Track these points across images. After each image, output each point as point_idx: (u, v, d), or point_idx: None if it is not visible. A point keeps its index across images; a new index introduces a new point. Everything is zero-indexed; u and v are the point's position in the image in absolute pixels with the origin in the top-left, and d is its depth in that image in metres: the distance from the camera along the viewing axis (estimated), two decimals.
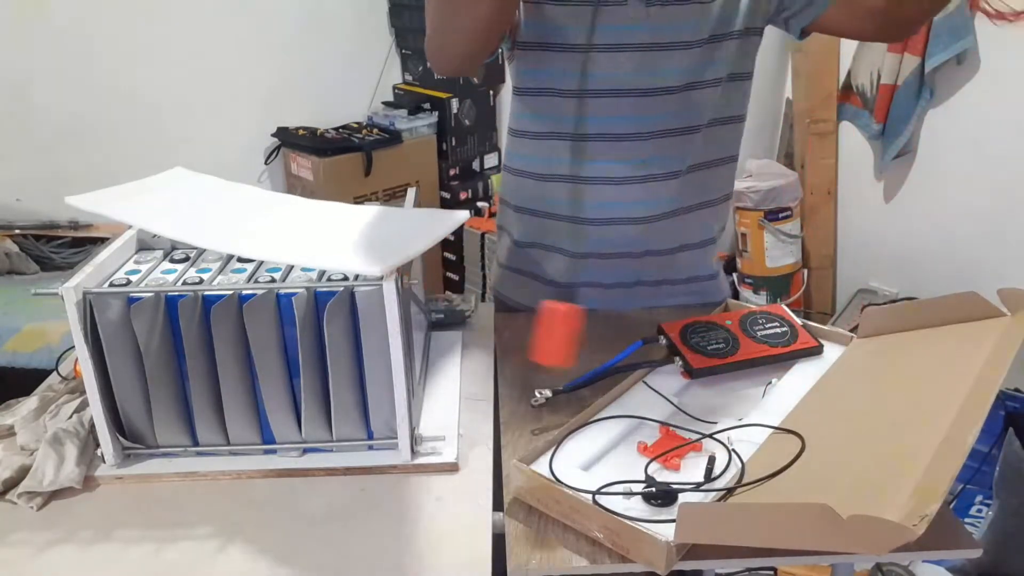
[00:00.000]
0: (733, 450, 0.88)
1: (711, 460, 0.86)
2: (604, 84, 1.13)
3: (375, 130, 2.82)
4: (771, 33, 1.23)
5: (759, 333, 1.09)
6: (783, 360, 1.06)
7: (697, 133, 1.18)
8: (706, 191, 1.25)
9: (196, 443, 0.92)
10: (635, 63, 1.12)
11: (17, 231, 2.35)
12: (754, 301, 2.80)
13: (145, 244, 1.00)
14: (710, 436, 0.91)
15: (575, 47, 1.11)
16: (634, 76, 1.13)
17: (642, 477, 0.83)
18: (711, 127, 1.19)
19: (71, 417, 0.93)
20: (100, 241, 2.31)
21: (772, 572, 1.69)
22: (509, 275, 1.33)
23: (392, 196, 2.81)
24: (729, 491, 0.82)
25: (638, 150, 1.17)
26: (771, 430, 0.92)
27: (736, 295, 2.88)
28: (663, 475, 0.86)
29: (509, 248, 1.32)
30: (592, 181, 1.19)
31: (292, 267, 0.93)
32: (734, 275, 2.92)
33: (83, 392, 0.92)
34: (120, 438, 0.90)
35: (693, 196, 1.23)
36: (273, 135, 2.81)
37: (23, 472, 0.87)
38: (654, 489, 0.81)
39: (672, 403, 0.98)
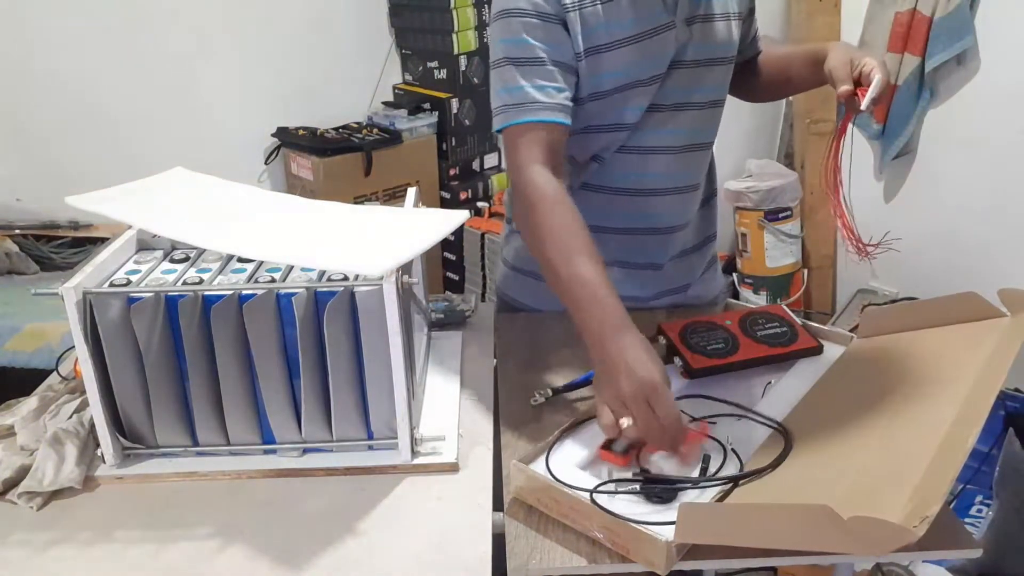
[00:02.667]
0: (732, 449, 0.88)
1: (706, 459, 0.86)
2: (652, 100, 1.14)
3: (375, 130, 2.81)
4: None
5: (759, 333, 1.08)
6: (783, 360, 1.06)
7: (711, 147, 1.25)
8: (708, 192, 1.31)
9: (196, 443, 0.92)
10: (685, 80, 1.14)
11: (17, 231, 2.35)
12: (754, 301, 2.80)
13: (145, 244, 1.00)
14: (697, 431, 0.90)
15: (641, 82, 1.11)
16: (682, 92, 1.14)
17: (642, 476, 0.83)
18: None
19: (71, 417, 0.93)
20: (100, 241, 2.31)
21: (772, 572, 1.69)
22: (518, 276, 1.33)
23: (392, 196, 2.80)
24: (724, 486, 0.82)
25: (666, 164, 1.19)
26: (769, 431, 0.92)
27: (736, 295, 2.88)
28: (655, 470, 0.86)
29: (520, 249, 1.32)
30: (621, 192, 1.20)
31: (292, 267, 0.93)
32: (734, 275, 2.92)
33: (83, 392, 0.92)
34: (120, 438, 0.90)
35: (701, 200, 1.29)
36: (273, 135, 2.80)
37: (23, 472, 0.87)
38: (639, 485, 0.81)
39: None
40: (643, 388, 0.83)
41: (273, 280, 0.89)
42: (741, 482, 0.83)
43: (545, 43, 1.05)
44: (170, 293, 0.86)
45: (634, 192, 1.19)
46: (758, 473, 0.83)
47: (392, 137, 2.76)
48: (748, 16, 1.24)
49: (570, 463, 0.86)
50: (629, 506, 0.79)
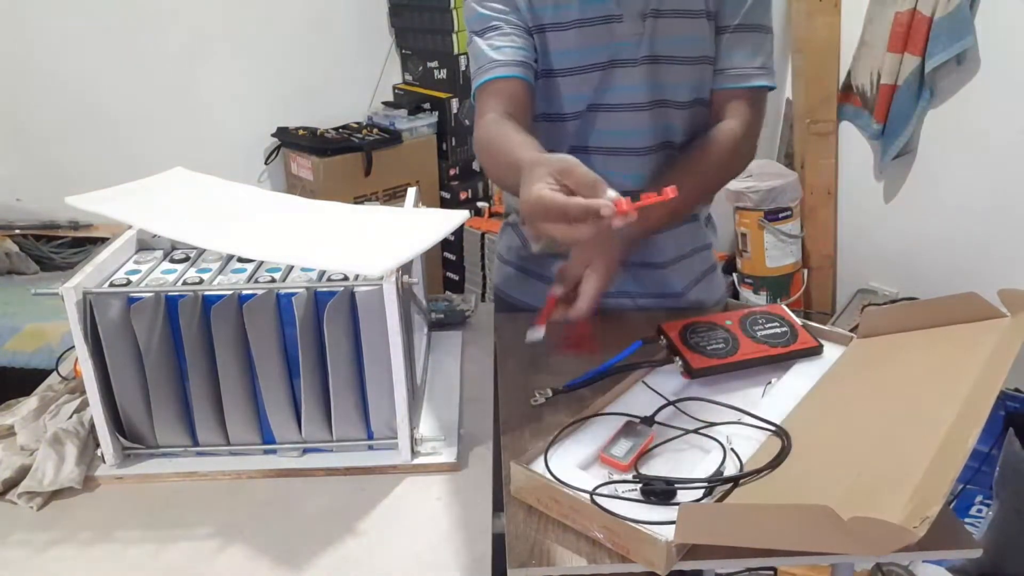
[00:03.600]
0: (732, 449, 0.88)
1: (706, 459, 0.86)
2: (609, 99, 1.14)
3: (375, 130, 2.82)
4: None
5: (759, 333, 1.08)
6: (783, 360, 1.06)
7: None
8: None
9: (196, 443, 0.92)
10: (640, 76, 1.13)
11: (17, 231, 2.35)
12: (754, 301, 2.80)
13: (145, 244, 1.00)
14: (699, 432, 0.91)
15: (583, 68, 1.12)
16: (638, 90, 1.13)
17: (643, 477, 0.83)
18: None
19: (71, 417, 0.93)
20: (100, 241, 2.31)
21: (772, 572, 1.69)
22: (512, 273, 1.33)
23: (392, 196, 2.81)
24: (724, 486, 0.82)
25: (638, 164, 1.17)
26: (769, 432, 0.92)
27: (736, 295, 2.88)
28: (655, 470, 0.86)
29: (513, 244, 1.32)
30: None
31: (292, 267, 0.93)
32: (734, 275, 2.92)
33: (83, 392, 0.92)
34: (120, 438, 0.90)
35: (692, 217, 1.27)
36: (273, 135, 2.81)
37: (23, 472, 0.87)
38: (643, 485, 0.81)
39: (671, 403, 0.98)
40: (537, 209, 0.78)
41: (273, 280, 0.89)
42: (741, 482, 0.83)
43: (500, 12, 1.10)
44: (170, 293, 0.86)
45: None
46: (758, 473, 0.84)
47: (392, 137, 2.77)
48: (724, 30, 1.13)
49: (570, 463, 0.86)
50: (629, 506, 0.79)
